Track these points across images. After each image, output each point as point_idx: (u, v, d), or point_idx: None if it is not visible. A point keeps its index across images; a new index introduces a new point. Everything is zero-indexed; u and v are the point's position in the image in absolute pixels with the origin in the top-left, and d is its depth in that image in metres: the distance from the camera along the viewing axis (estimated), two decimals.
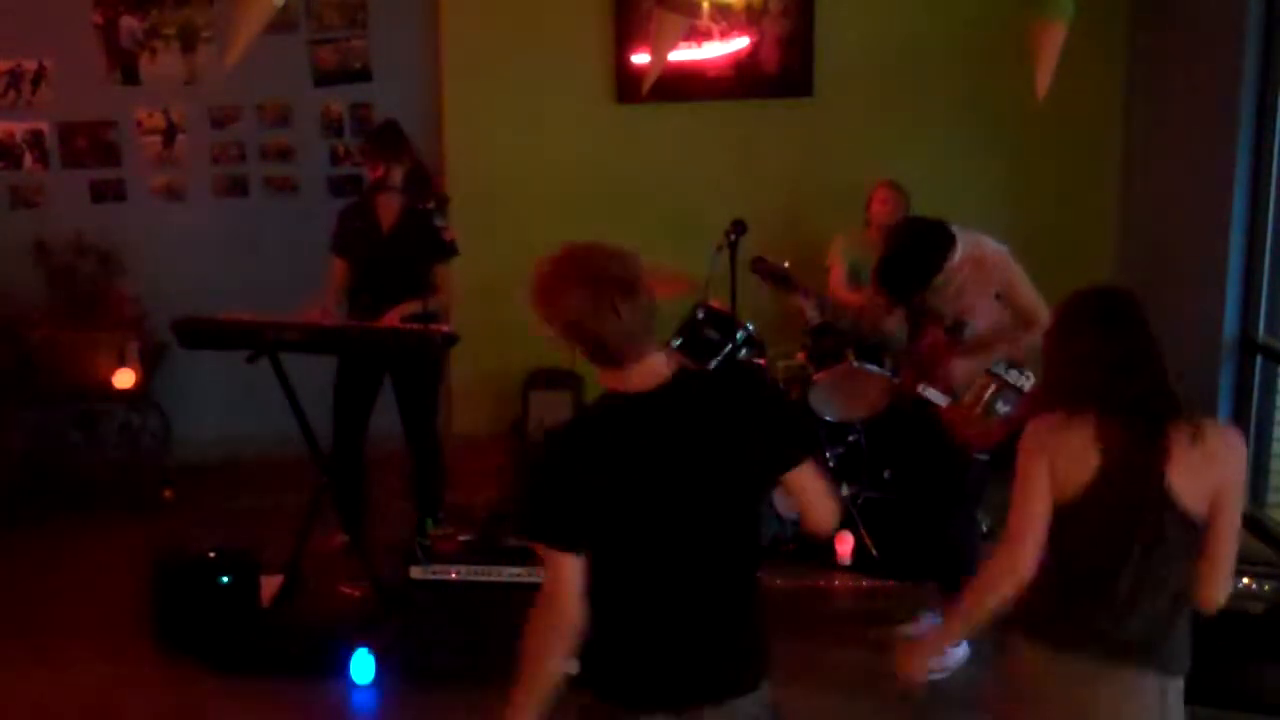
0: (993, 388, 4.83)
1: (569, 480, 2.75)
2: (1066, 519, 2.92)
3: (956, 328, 4.82)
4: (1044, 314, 4.66)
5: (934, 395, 4.89)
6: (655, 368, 2.79)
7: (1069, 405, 2.96)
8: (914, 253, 4.71)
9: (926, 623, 5.06)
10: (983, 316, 4.81)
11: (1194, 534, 2.87)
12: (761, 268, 5.56)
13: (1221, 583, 2.88)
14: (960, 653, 4.95)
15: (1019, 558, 2.93)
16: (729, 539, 2.86)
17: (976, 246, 4.76)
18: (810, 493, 2.95)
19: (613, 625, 2.81)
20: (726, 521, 2.84)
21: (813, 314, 5.54)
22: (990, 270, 4.74)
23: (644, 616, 2.84)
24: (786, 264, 5.60)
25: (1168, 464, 2.85)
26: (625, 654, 2.86)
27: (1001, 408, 4.82)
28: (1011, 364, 4.85)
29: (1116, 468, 2.87)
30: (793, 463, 2.88)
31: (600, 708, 2.87)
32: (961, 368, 4.85)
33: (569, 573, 2.75)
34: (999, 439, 4.83)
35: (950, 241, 4.65)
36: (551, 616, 2.76)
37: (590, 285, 2.69)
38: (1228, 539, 2.89)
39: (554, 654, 2.77)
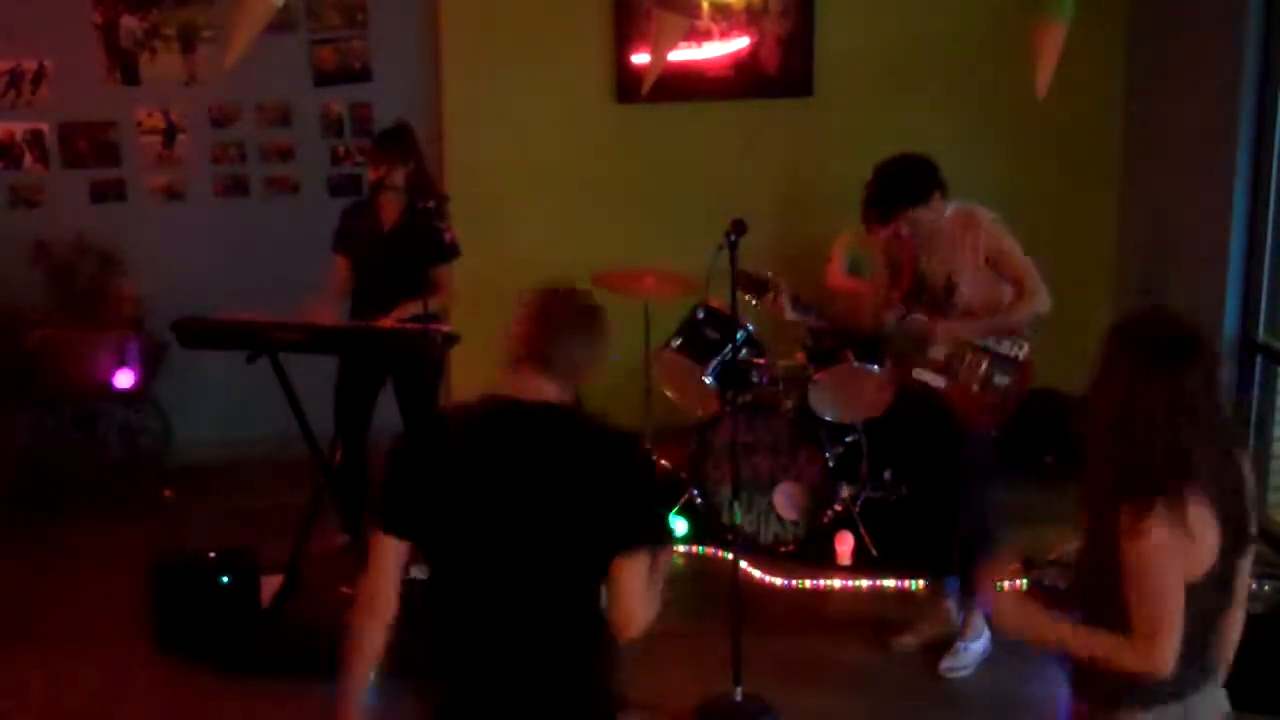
0: (986, 361, 4.85)
1: (418, 468, 2.93)
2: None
3: (948, 288, 4.82)
4: (1036, 283, 4.72)
5: (930, 378, 4.89)
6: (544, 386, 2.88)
7: (1163, 484, 2.70)
8: (903, 168, 4.84)
9: (963, 648, 5.01)
10: (970, 281, 4.81)
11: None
12: (743, 279, 5.46)
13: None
14: (979, 649, 4.94)
15: (1160, 658, 2.77)
16: (554, 588, 2.87)
17: (968, 208, 4.83)
18: (624, 585, 2.84)
19: (443, 634, 3.02)
20: (554, 568, 2.86)
21: (791, 313, 5.48)
22: (981, 232, 4.78)
23: (465, 636, 2.99)
24: (769, 273, 5.53)
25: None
26: (448, 667, 3.05)
27: (1000, 380, 4.85)
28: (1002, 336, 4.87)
29: (1227, 535, 2.83)
30: (625, 546, 2.83)
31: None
32: (951, 340, 4.85)
33: (387, 558, 2.97)
34: (1005, 412, 4.86)
35: (938, 173, 4.77)
36: (368, 602, 2.99)
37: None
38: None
39: (369, 638, 3.00)
